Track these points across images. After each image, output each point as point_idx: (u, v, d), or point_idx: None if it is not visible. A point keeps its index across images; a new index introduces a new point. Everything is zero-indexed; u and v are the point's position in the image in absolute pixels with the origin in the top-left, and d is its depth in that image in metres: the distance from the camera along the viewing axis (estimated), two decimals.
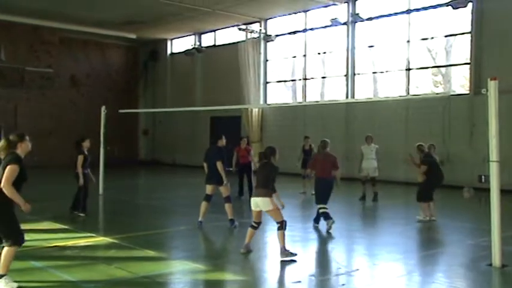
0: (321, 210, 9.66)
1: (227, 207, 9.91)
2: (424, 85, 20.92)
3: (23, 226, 9.56)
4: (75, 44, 27.18)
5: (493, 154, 7.03)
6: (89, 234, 9.12)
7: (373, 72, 21.11)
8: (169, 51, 29.28)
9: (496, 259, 6.99)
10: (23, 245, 7.84)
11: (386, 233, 10.10)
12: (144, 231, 9.58)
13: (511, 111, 13.88)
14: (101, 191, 14.65)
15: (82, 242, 8.55)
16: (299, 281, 6.42)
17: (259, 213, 7.62)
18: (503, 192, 10.61)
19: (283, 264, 7.06)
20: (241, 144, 14.46)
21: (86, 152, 10.97)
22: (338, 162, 9.89)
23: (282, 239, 7.35)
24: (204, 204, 10.00)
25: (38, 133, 24.02)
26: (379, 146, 14.37)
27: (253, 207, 7.62)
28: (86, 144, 11.00)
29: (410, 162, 11.58)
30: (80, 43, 27.44)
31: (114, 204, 13.78)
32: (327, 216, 9.48)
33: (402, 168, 16.62)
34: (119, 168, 22.90)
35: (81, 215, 10.90)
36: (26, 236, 8.73)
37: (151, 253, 7.81)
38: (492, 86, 6.98)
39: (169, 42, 29.17)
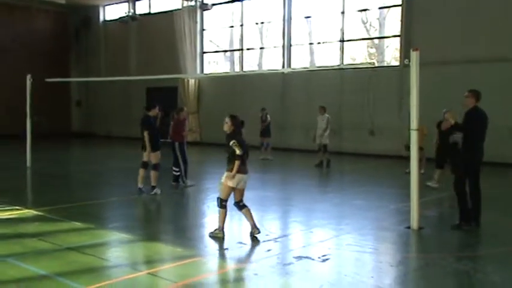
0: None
1: (152, 173, 10.15)
2: (359, 57, 21.41)
3: None
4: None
5: (413, 123, 7.33)
6: (13, 207, 8.79)
7: (310, 43, 21.34)
8: (102, 19, 28.21)
9: (414, 222, 7.38)
10: None
11: (321, 201, 10.36)
12: (73, 203, 9.36)
13: (435, 83, 14.47)
14: (28, 163, 14.13)
15: (5, 215, 8.25)
16: (226, 248, 6.52)
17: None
18: (429, 160, 11.22)
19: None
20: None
21: None
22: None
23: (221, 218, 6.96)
24: (140, 171, 10.28)
25: None
26: (315, 116, 15.22)
27: (237, 185, 6.83)
28: None
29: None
30: (4, 7, 25.81)
31: (42, 177, 13.32)
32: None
33: (337, 137, 17.11)
34: (49, 140, 22.14)
35: None
36: None
37: (78, 224, 7.65)
38: (414, 57, 7.22)
39: (101, 9, 28.09)
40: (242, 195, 6.96)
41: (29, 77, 14.38)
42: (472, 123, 7.31)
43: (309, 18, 20.96)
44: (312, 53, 21.62)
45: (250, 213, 6.99)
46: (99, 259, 6.09)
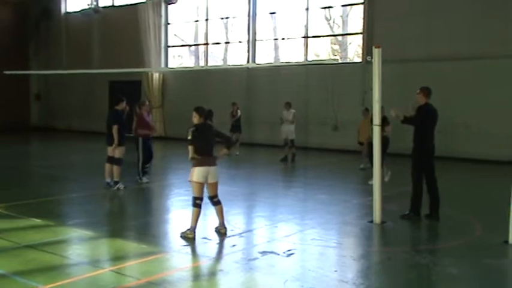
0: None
1: (115, 168, 10.06)
2: (323, 53, 21.61)
3: None
4: None
5: (376, 118, 7.44)
6: None
7: (274, 39, 21.39)
8: (63, 10, 27.50)
9: (377, 216, 7.50)
10: None
11: (285, 196, 10.42)
12: (32, 199, 9.10)
13: (396, 79, 14.73)
14: None
15: None
16: (188, 245, 6.47)
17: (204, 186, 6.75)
18: (393, 155, 11.41)
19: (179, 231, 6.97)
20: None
21: None
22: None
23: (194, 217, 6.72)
24: (106, 166, 10.20)
25: None
26: (281, 111, 15.31)
27: (202, 179, 6.65)
28: None
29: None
30: None
31: None
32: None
33: (303, 132, 17.22)
34: (6, 134, 21.49)
35: None
36: None
37: (37, 221, 7.46)
38: (376, 53, 7.33)
39: (63, 0, 27.38)
40: (214, 190, 6.79)
41: None
42: (422, 118, 7.68)
43: (273, 14, 20.99)
44: (276, 48, 21.69)
45: (222, 211, 6.91)
46: (59, 257, 5.95)
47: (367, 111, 13.10)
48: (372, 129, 10.05)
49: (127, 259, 6.04)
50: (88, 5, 25.53)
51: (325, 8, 19.80)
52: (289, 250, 6.24)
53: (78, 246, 6.59)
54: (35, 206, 8.54)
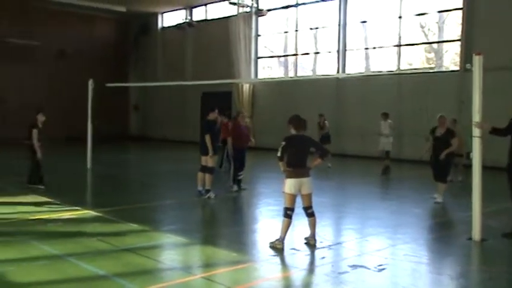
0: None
1: (207, 177, 10.23)
2: (417, 62, 20.87)
3: (8, 199, 9.66)
4: (63, 16, 26.76)
5: (476, 130, 7.02)
6: (74, 208, 9.10)
7: (365, 48, 21.01)
8: (160, 26, 28.93)
9: (476, 233, 7.05)
10: (7, 217, 7.91)
11: (377, 208, 10.13)
12: (130, 205, 9.59)
13: (498, 89, 13.88)
14: (88, 165, 14.63)
15: (66, 215, 8.54)
16: (277, 255, 6.45)
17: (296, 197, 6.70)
18: (490, 169, 10.73)
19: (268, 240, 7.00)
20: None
21: (40, 126, 10.87)
22: None
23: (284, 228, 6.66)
24: (199, 174, 10.43)
25: (26, 107, 23.93)
26: (373, 122, 14.87)
27: (294, 191, 6.63)
28: (40, 117, 10.90)
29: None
30: (69, 15, 27.00)
31: (101, 178, 13.76)
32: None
33: (397, 144, 16.70)
34: (108, 143, 22.84)
35: (41, 187, 10.83)
36: (11, 209, 8.82)
37: (134, 226, 7.82)
38: (476, 61, 6.93)
39: (160, 16, 28.81)
40: (308, 201, 6.73)
41: (90, 82, 14.92)
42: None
43: (364, 23, 20.64)
44: (367, 58, 21.28)
45: (315, 224, 6.85)
46: (153, 261, 6.19)
47: (455, 122, 12.69)
48: (434, 140, 9.58)
49: (218, 266, 6.14)
50: (183, 19, 26.67)
51: (419, 15, 19.13)
52: (380, 265, 6.03)
53: (172, 251, 6.81)
54: (132, 212, 8.97)
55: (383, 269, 5.92)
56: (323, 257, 6.44)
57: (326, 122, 16.61)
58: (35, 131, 10.73)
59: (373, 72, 20.72)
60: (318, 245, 6.82)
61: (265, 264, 6.21)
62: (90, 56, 27.74)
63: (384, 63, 20.47)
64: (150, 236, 7.44)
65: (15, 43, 24.46)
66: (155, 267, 5.97)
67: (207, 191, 10.26)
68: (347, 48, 20.89)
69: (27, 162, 11.12)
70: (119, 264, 5.94)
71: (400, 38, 19.19)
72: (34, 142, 10.74)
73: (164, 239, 7.33)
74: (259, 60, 24.32)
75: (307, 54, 22.90)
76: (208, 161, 10.26)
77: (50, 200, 9.81)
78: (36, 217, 8.29)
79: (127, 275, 5.56)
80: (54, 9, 25.62)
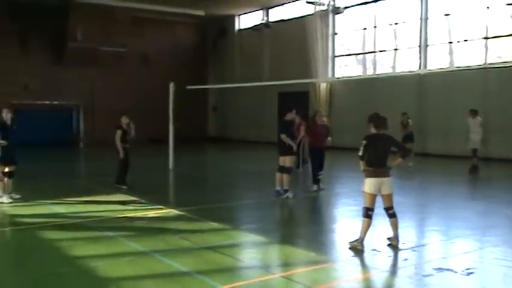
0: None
1: (285, 177, 10.20)
2: (506, 55, 19.67)
3: (98, 198, 10.23)
4: (145, 23, 27.88)
5: None
6: (158, 206, 9.46)
7: (449, 42, 20.11)
8: (237, 28, 29.37)
9: None
10: (96, 215, 8.38)
11: (463, 209, 9.67)
12: (210, 204, 9.80)
13: None
14: (170, 166, 15.13)
15: (151, 214, 8.89)
16: (357, 255, 6.32)
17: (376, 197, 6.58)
18: None
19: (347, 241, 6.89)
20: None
21: (125, 127, 11.31)
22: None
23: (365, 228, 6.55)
24: (277, 174, 10.41)
25: (112, 110, 25.20)
26: (457, 119, 14.17)
27: (374, 190, 6.52)
28: (124, 120, 11.34)
29: None
30: (151, 22, 28.11)
31: (182, 178, 14.17)
32: None
33: (483, 142, 15.86)
34: (188, 145, 23.50)
35: (123, 187, 11.26)
36: (100, 207, 9.33)
37: (215, 225, 7.98)
38: None
39: (237, 19, 29.25)
40: (389, 201, 6.57)
41: (172, 85, 15.43)
42: None
43: (448, 16, 19.76)
44: (451, 52, 20.35)
45: (397, 224, 6.67)
46: (233, 259, 6.28)
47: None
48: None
49: (296, 266, 6.12)
50: (259, 21, 26.92)
51: (510, 4, 18.00)
52: (468, 268, 5.73)
53: (251, 250, 6.88)
54: (213, 211, 9.15)
55: (471, 273, 5.63)
56: (406, 259, 6.23)
57: (409, 120, 16.01)
58: (118, 132, 11.25)
59: (458, 67, 19.77)
60: (400, 246, 6.61)
61: (345, 265, 6.10)
62: (171, 60, 28.76)
63: (470, 57, 19.46)
64: (229, 235, 7.56)
65: (105, 51, 25.81)
66: (235, 265, 6.06)
67: (285, 191, 10.27)
68: (429, 43, 20.12)
69: (116, 163, 11.68)
70: (200, 261, 6.08)
71: (487, 30, 18.18)
72: (117, 143, 11.26)
73: (243, 238, 7.42)
74: (336, 58, 24.01)
75: (386, 51, 22.29)
76: (286, 161, 10.27)
77: (135, 198, 10.25)
78: (123, 215, 8.67)
79: (208, 272, 5.68)
80: (137, 17, 26.74)
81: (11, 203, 9.53)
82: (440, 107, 18.92)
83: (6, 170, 9.67)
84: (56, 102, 24.83)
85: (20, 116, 12.16)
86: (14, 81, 24.31)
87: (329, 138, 11.41)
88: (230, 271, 5.81)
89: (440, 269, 5.73)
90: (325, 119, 11.77)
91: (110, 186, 11.38)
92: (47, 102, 24.39)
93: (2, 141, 9.51)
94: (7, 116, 9.66)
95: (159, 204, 9.61)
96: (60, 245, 6.90)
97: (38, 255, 6.44)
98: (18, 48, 24.42)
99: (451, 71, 18.51)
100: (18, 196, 9.93)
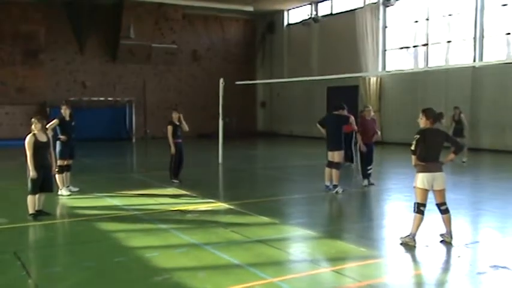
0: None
1: (334, 172, 10.21)
2: None
3: (151, 192, 10.53)
4: (196, 19, 28.30)
5: None
6: (208, 200, 9.66)
7: (507, 34, 19.37)
8: (285, 23, 29.32)
9: None
10: (150, 208, 8.65)
11: None
12: (260, 199, 9.91)
13: None
14: (220, 160, 15.36)
15: (202, 207, 9.10)
16: (408, 251, 6.25)
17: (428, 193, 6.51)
18: None
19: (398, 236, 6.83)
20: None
21: (177, 123, 11.50)
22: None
23: (416, 223, 6.50)
24: (326, 170, 10.45)
25: (163, 106, 25.81)
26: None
27: (427, 185, 6.44)
28: (175, 115, 11.52)
29: None
30: (201, 18, 28.50)
31: (232, 172, 14.36)
32: None
33: None
34: (237, 139, 23.73)
35: (175, 181, 11.47)
36: (153, 200, 9.62)
37: (265, 219, 8.08)
38: None
39: (285, 13, 29.20)
40: (441, 197, 6.49)
41: (221, 80, 15.65)
42: None
43: (505, 6, 19.02)
44: (508, 44, 19.58)
45: (450, 220, 6.57)
46: (284, 253, 6.36)
47: None
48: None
49: (347, 260, 6.13)
50: (308, 15, 26.79)
51: None
52: None
53: (301, 244, 6.94)
54: (262, 205, 9.26)
55: None
56: (459, 256, 6.12)
57: (462, 115, 15.53)
58: (169, 128, 11.52)
59: None
60: (453, 243, 6.49)
61: (397, 260, 6.07)
62: (220, 55, 29.12)
63: None
64: (279, 229, 7.64)
65: (157, 48, 26.42)
66: (286, 259, 6.14)
67: (335, 186, 10.27)
68: (484, 34, 19.45)
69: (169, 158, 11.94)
70: (251, 254, 6.19)
71: None
72: (169, 138, 11.53)
73: (293, 232, 7.49)
74: (387, 52, 23.59)
75: (439, 43, 21.70)
76: (335, 156, 10.27)
77: (187, 192, 10.49)
78: (176, 208, 8.91)
79: (259, 265, 5.78)
80: (188, 14, 27.18)
81: (69, 195, 9.98)
82: (495, 101, 18.28)
83: (65, 163, 10.13)
84: (110, 99, 25.62)
85: (78, 113, 12.65)
86: (72, 78, 25.38)
87: (378, 133, 11.30)
88: (281, 264, 5.89)
89: (496, 267, 5.60)
90: (373, 113, 11.63)
91: (162, 180, 11.68)
92: (102, 98, 25.21)
93: (61, 137, 9.98)
94: (66, 112, 10.12)
95: (209, 198, 9.81)
96: (117, 236, 7.19)
97: (96, 245, 6.74)
98: (76, 46, 25.37)
99: (508, 63, 17.84)
100: (76, 189, 10.39)
